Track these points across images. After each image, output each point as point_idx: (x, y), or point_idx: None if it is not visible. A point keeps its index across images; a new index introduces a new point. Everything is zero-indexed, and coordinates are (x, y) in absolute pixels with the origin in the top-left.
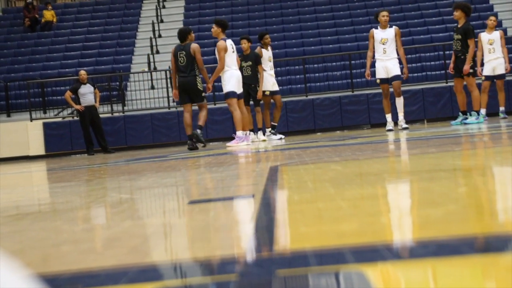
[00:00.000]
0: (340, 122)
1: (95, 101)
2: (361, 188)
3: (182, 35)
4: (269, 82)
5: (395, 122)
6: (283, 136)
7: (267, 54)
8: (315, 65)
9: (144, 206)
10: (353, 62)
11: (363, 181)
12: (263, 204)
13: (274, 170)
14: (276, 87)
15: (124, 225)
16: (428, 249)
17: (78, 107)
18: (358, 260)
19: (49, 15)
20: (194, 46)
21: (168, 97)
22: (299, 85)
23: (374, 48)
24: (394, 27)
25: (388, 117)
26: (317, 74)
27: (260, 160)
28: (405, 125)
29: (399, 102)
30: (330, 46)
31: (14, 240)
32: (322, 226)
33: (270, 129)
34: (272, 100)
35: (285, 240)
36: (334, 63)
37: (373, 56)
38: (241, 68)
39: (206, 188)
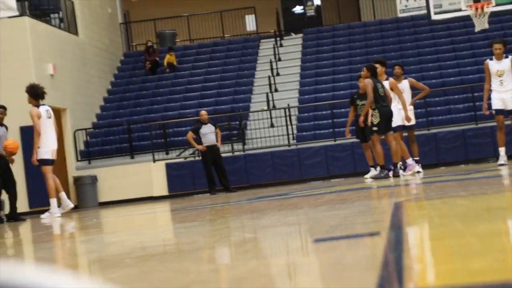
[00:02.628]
0: (464, 155)
1: (217, 141)
2: (491, 223)
3: (374, 71)
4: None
5: (510, 156)
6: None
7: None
8: (437, 99)
9: (269, 245)
10: (475, 94)
11: (492, 216)
12: (389, 242)
13: (398, 206)
14: (409, 121)
15: (250, 265)
16: None
17: (200, 147)
18: None
19: (171, 59)
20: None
21: (288, 134)
22: (420, 119)
23: (490, 80)
24: (510, 57)
25: (501, 150)
26: (439, 108)
27: (384, 195)
28: None
29: None
30: (452, 78)
31: (143, 280)
32: (452, 263)
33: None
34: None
35: (414, 278)
36: (456, 96)
37: (490, 89)
38: (356, 106)
39: (330, 226)
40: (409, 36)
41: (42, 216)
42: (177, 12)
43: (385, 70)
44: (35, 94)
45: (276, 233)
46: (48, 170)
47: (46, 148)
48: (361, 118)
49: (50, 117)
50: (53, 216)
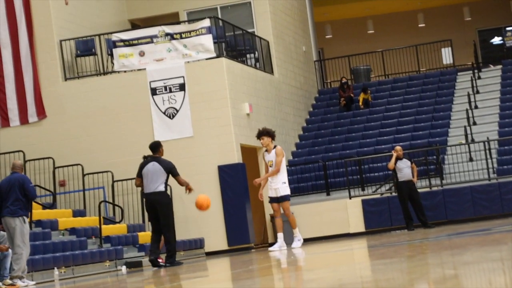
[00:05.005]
0: None
1: (413, 176)
2: None
3: None
4: None
5: None
6: None
7: None
8: None
9: (471, 282)
10: None
11: None
12: None
13: None
14: None
15: None
16: None
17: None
18: None
19: (366, 97)
20: None
21: (488, 168)
22: None
23: None
24: None
25: None
26: None
27: None
28: None
29: None
30: None
31: None
32: None
33: None
34: None
35: None
36: None
37: None
38: None
39: None
40: None
41: (272, 248)
42: (371, 48)
43: None
44: (274, 135)
45: (478, 270)
46: (289, 205)
47: (287, 184)
48: None
49: None
50: (281, 249)
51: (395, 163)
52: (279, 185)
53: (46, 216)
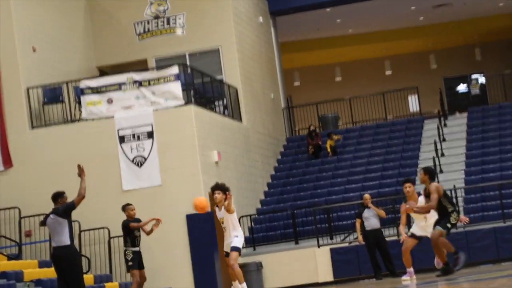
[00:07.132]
0: None
1: (380, 225)
2: None
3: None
4: None
5: None
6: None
7: None
8: None
9: None
10: None
11: None
12: None
13: None
14: None
15: None
16: None
17: (360, 239)
18: None
19: (333, 143)
20: None
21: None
22: None
23: None
24: None
25: None
26: None
27: None
28: None
29: None
30: None
31: None
32: None
33: None
34: None
35: None
36: None
37: None
38: None
39: None
40: None
41: None
42: (339, 95)
43: None
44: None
45: None
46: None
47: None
48: None
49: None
50: None
51: (362, 212)
52: (232, 239)
53: (11, 267)
